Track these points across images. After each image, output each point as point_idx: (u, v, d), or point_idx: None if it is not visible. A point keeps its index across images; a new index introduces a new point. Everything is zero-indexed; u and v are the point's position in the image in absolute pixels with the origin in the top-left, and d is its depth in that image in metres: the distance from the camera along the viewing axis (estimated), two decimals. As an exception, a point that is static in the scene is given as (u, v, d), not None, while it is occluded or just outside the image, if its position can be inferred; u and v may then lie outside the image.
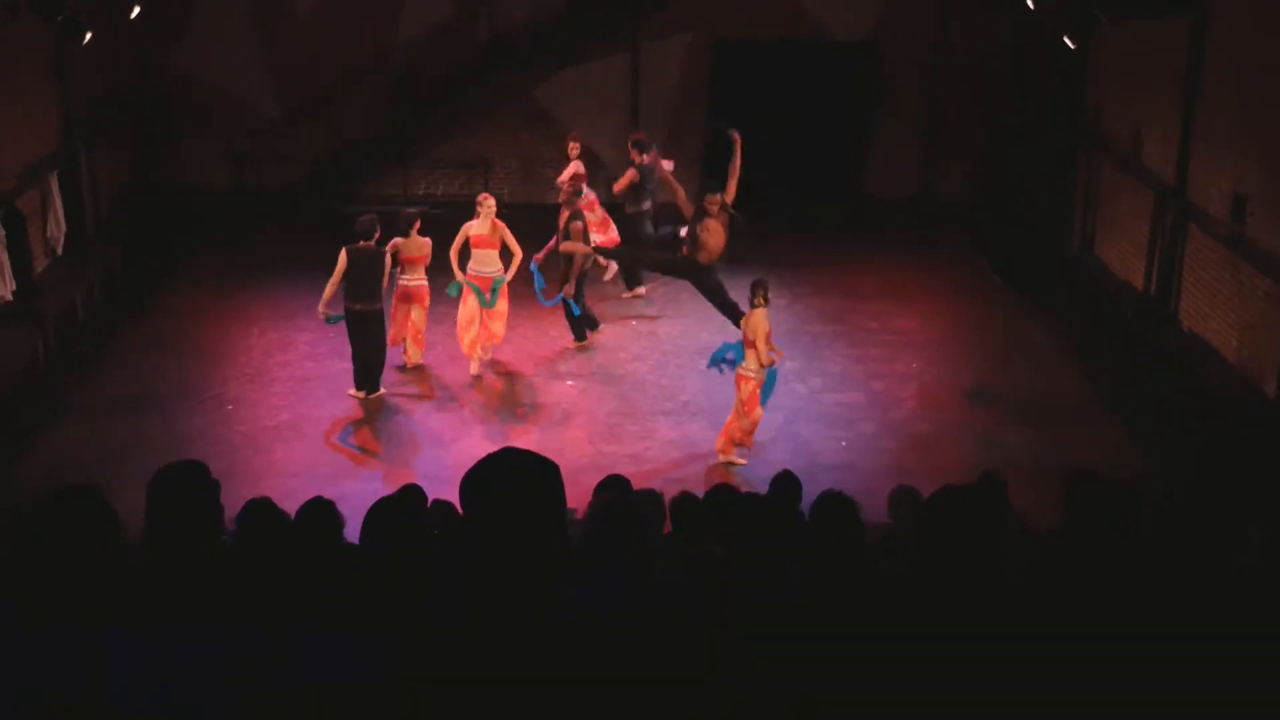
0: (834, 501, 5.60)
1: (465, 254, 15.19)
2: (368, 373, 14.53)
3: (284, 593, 4.17)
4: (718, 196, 14.51)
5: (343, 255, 14.17)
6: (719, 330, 16.69)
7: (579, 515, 7.22)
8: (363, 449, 13.69)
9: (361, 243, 14.20)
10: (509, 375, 15.44)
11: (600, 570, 3.76)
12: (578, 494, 4.67)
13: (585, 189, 17.51)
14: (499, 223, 15.17)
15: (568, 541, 3.65)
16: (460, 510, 3.58)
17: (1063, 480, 4.97)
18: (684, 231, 15.02)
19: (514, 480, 3.43)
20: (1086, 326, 16.94)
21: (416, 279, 15.08)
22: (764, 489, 8.66)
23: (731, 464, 13.15)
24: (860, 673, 3.76)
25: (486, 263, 15.25)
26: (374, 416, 14.27)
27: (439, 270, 15.31)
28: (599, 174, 22.19)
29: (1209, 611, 4.55)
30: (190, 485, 4.18)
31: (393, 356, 14.97)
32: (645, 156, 17.47)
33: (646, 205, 17.89)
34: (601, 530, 3.87)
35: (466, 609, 3.42)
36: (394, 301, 15.08)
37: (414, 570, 4.15)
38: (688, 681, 3.52)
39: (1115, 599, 4.39)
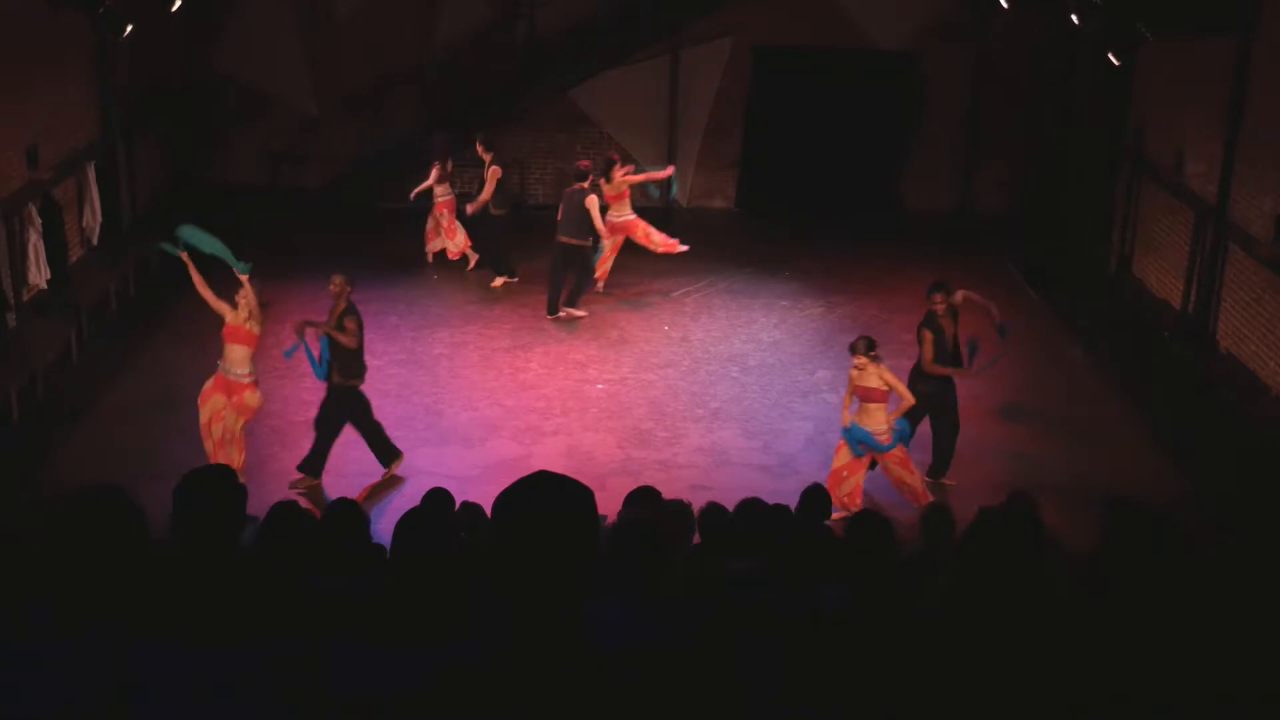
0: (869, 521, 5.53)
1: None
2: (572, 296, 17.29)
3: (312, 600, 4.13)
4: (941, 295, 12.92)
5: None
6: (750, 339, 16.70)
7: (609, 522, 7.18)
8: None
9: (575, 184, 17.17)
10: (541, 377, 15.39)
11: (619, 601, 3.71)
12: (606, 499, 4.62)
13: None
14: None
15: (595, 565, 3.60)
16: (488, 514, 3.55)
17: (1100, 506, 4.89)
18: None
19: (547, 506, 3.37)
20: (1122, 345, 16.79)
21: (623, 215, 17.87)
22: (794, 500, 8.61)
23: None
24: (898, 694, 3.70)
25: (237, 362, 12.48)
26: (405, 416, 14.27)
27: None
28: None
29: (1247, 642, 4.47)
30: (216, 491, 4.14)
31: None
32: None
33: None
34: (620, 557, 3.82)
35: (498, 632, 3.37)
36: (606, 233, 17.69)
37: (445, 580, 4.10)
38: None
39: (1151, 628, 4.31)
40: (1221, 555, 4.89)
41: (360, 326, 12.41)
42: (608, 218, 17.51)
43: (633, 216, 18.06)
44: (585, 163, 17.65)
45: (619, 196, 17.80)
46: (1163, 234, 17.89)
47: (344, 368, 12.44)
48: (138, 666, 3.52)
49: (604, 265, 18.05)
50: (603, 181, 17.56)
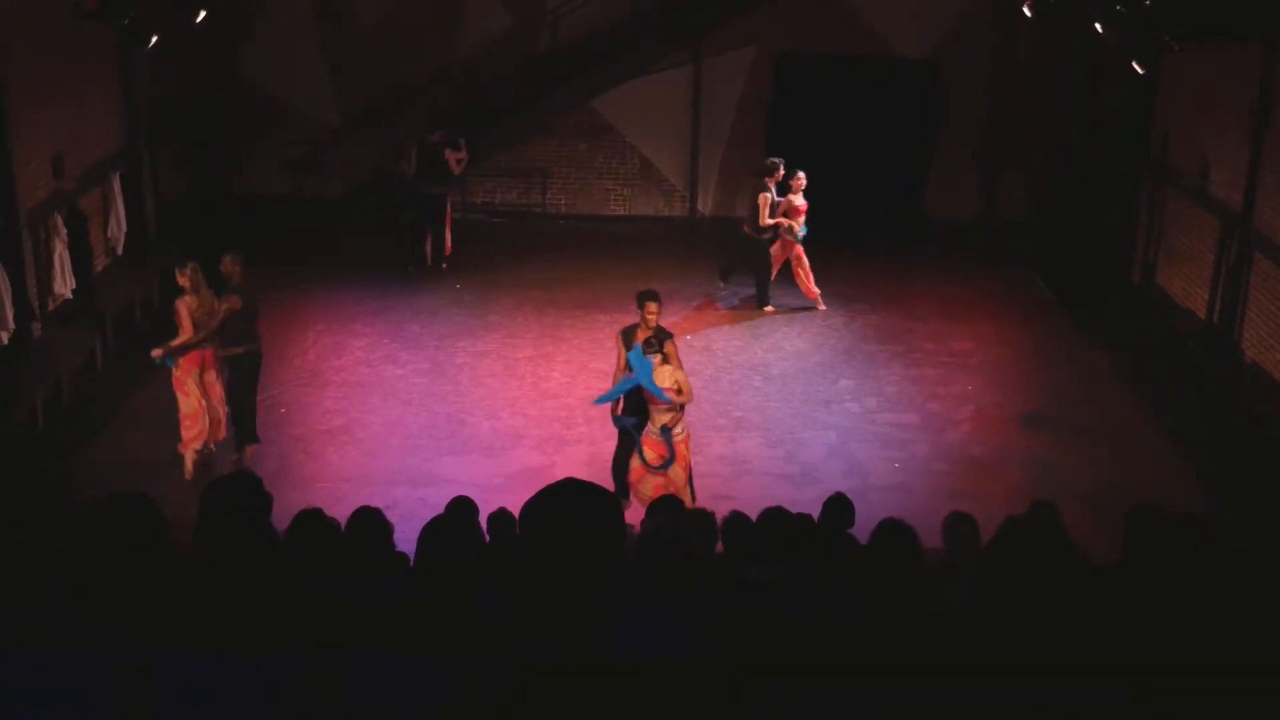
0: (893, 530, 5.51)
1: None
2: (760, 289, 18.05)
3: (333, 608, 4.14)
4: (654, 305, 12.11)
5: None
6: (772, 347, 16.68)
7: (635, 530, 7.18)
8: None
9: (766, 179, 17.66)
10: (564, 386, 15.41)
11: (644, 608, 3.71)
12: (629, 507, 4.61)
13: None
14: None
15: (621, 573, 3.59)
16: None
17: (1125, 515, 4.87)
18: None
19: (574, 513, 3.37)
20: (1146, 354, 16.72)
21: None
22: (816, 509, 8.59)
23: None
24: (920, 703, 3.69)
25: None
26: (426, 424, 14.29)
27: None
28: (660, 186, 22.31)
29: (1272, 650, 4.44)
30: (243, 500, 4.15)
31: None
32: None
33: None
34: (645, 565, 3.81)
35: (520, 640, 3.37)
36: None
37: (468, 590, 4.10)
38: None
39: (1177, 638, 4.29)
40: (1245, 564, 4.88)
41: (244, 302, 12.90)
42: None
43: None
44: (776, 160, 17.95)
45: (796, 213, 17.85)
46: (1187, 243, 17.81)
47: (227, 338, 12.94)
48: (159, 674, 3.53)
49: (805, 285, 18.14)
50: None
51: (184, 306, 12.80)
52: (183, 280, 12.88)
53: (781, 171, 17.69)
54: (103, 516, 3.70)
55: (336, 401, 14.83)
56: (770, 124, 22.15)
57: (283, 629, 3.79)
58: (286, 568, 4.72)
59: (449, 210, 19.64)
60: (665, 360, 11.62)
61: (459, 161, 19.44)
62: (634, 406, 12.03)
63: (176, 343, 12.81)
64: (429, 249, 19.52)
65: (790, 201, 17.85)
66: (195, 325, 12.76)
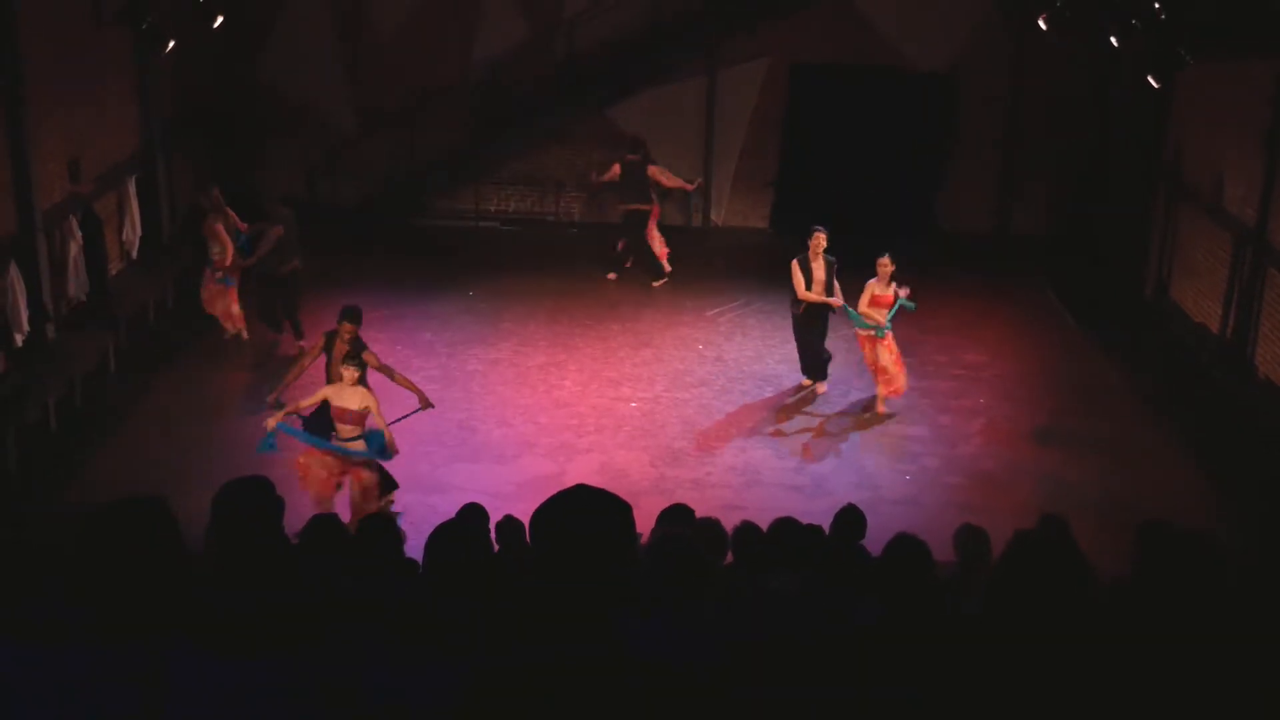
0: (907, 545, 5.50)
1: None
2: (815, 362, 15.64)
3: (346, 612, 4.15)
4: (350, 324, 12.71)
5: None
6: (784, 359, 16.64)
7: (642, 541, 7.19)
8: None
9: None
10: (575, 394, 15.41)
11: (655, 613, 3.71)
12: (639, 517, 4.60)
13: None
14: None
15: (632, 579, 3.59)
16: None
17: (1136, 530, 4.86)
18: None
19: (584, 520, 3.37)
20: (1159, 369, 16.68)
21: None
22: (826, 521, 8.58)
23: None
24: (931, 714, 3.69)
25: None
26: (436, 432, 14.30)
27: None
28: (674, 196, 22.31)
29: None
30: (255, 502, 4.16)
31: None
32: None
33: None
34: (656, 571, 3.82)
35: (526, 643, 3.37)
36: None
37: (477, 593, 4.12)
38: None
39: (1188, 652, 4.28)
40: (1257, 579, 4.88)
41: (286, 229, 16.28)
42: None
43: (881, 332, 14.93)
44: (817, 226, 15.31)
45: (879, 303, 14.99)
46: (1201, 258, 17.77)
47: (277, 259, 16.10)
48: (172, 676, 3.54)
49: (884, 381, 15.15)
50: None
51: (218, 224, 15.98)
52: (205, 202, 16.18)
53: (820, 239, 15.14)
54: (115, 519, 3.71)
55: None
56: (785, 136, 22.17)
57: (293, 631, 3.79)
58: (297, 571, 4.73)
59: (649, 223, 19.61)
60: (360, 378, 11.77)
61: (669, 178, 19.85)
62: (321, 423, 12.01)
63: (228, 262, 15.96)
64: (623, 254, 19.87)
65: (872, 288, 14.99)
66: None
